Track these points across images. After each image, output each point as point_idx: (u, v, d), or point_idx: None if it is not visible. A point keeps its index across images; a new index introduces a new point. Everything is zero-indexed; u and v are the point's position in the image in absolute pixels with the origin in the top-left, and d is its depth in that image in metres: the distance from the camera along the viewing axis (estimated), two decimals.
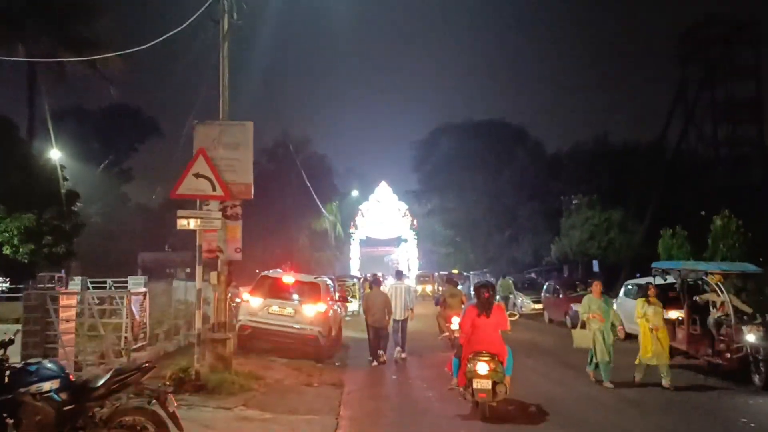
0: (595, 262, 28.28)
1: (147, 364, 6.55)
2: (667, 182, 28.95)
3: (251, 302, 14.21)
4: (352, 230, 63.13)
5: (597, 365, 11.54)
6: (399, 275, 16.25)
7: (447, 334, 15.57)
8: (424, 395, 11.22)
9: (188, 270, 55.44)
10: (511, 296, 28.07)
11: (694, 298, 13.47)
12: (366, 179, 65.13)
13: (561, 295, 23.13)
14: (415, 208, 64.24)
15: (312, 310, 13.97)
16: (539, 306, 25.99)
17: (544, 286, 25.41)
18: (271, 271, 15.81)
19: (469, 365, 8.58)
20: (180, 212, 10.90)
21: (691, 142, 31.03)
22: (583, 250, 28.00)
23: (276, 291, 14.46)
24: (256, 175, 38.20)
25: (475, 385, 8.45)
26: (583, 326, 11.95)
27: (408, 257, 75.03)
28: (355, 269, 60.75)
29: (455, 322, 13.86)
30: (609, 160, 32.72)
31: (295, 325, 13.85)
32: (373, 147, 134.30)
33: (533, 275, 31.89)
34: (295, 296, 14.41)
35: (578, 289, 23.44)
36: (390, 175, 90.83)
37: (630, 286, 18.42)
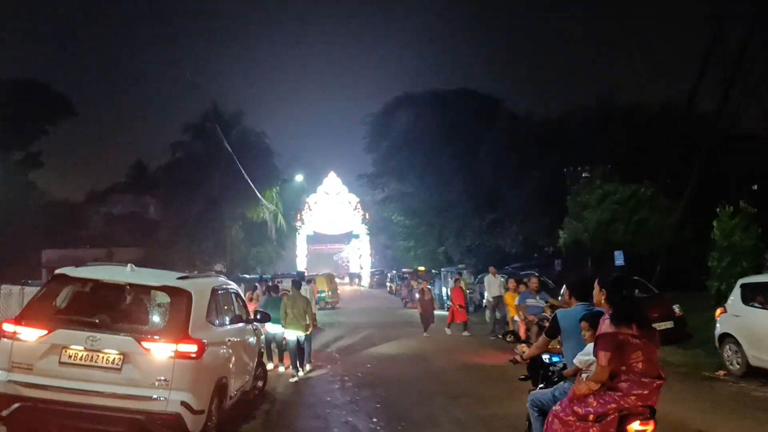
0: (619, 253, 21.01)
1: None
2: (709, 149, 21.85)
3: (22, 338, 6.09)
4: (298, 224, 56.01)
5: None
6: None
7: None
8: None
9: None
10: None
11: None
12: (313, 167, 57.90)
13: None
14: (367, 200, 57.05)
15: (164, 351, 6.08)
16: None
17: (563, 287, 17.83)
18: (85, 266, 7.05)
19: None
20: None
21: (733, 100, 23.84)
22: (604, 236, 20.68)
23: (84, 310, 6.51)
24: (179, 155, 30.34)
25: None
26: None
27: (360, 254, 68.20)
28: (301, 268, 53.90)
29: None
30: (623, 124, 25.61)
31: (126, 391, 5.95)
32: (321, 131, 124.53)
33: (534, 271, 24.32)
34: (128, 323, 6.52)
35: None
36: (340, 162, 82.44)
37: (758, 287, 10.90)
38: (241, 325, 8.54)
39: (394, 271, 49.48)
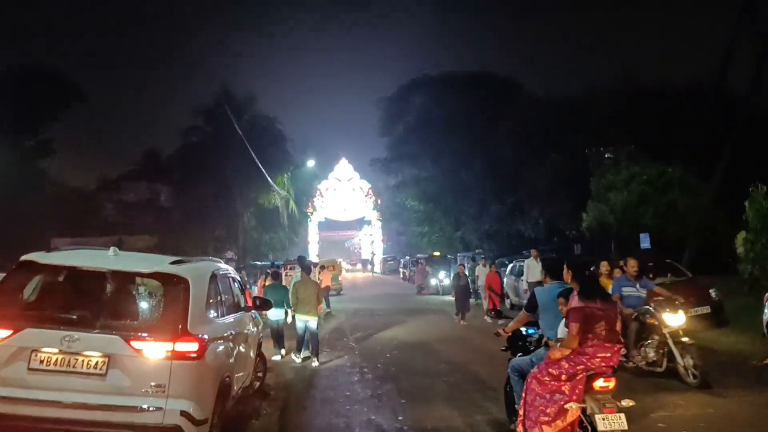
0: (645, 236, 20.06)
1: None
2: (741, 127, 20.77)
3: None
4: (309, 211, 55.51)
5: None
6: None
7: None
8: None
9: None
10: None
11: None
12: (325, 153, 57.23)
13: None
14: (380, 186, 56.40)
15: (159, 352, 5.17)
16: None
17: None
18: (59, 251, 6.20)
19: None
20: None
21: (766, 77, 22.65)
22: (632, 219, 19.74)
23: (59, 304, 5.53)
24: (192, 140, 30.35)
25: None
26: None
27: (372, 241, 67.60)
28: (313, 255, 53.58)
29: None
30: (648, 104, 24.54)
31: (113, 401, 5.03)
32: (333, 117, 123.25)
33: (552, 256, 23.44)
34: (113, 319, 5.45)
35: (650, 275, 15.22)
36: (352, 148, 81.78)
37: None
38: (241, 314, 7.62)
39: (408, 257, 48.79)
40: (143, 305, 5.86)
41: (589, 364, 5.13)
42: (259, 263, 35.53)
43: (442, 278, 31.48)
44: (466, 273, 19.98)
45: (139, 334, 5.23)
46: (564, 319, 5.53)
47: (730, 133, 20.76)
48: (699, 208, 19.45)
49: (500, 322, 7.18)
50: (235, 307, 7.44)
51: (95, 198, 51.35)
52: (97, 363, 5.08)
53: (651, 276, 15.15)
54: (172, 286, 5.53)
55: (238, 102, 42.11)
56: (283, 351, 12.31)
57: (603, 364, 5.15)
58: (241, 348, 7.09)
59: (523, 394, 5.54)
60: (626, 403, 5.11)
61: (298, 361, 11.75)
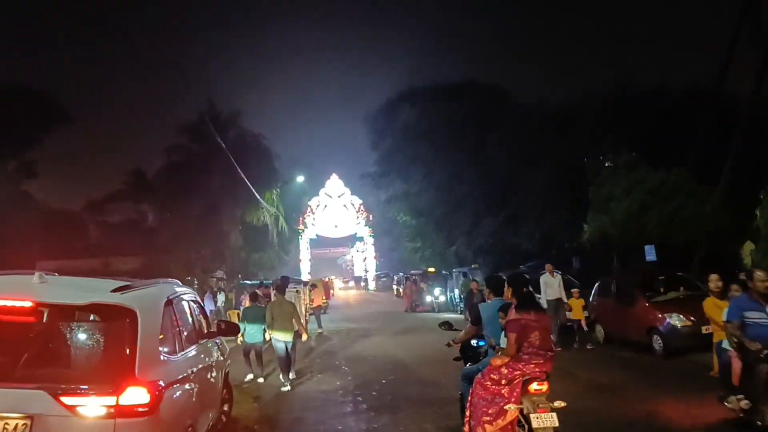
0: (650, 248, 19.14)
1: None
2: (745, 130, 19.99)
3: None
4: (300, 228, 54.49)
5: None
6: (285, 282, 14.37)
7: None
8: None
9: None
10: None
11: None
12: (314, 169, 56.25)
13: (635, 301, 13.85)
14: (371, 201, 55.60)
15: (97, 409, 4.01)
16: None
17: (595, 286, 16.04)
18: None
19: None
20: None
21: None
22: (634, 229, 18.83)
23: None
24: (177, 158, 29.45)
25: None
26: None
27: (365, 257, 66.66)
28: (305, 273, 52.57)
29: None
30: (647, 108, 23.73)
31: None
32: (322, 133, 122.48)
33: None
34: (38, 368, 4.29)
35: (660, 289, 14.35)
36: (342, 164, 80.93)
37: None
38: (205, 342, 6.54)
39: (401, 274, 47.86)
40: (78, 347, 4.58)
41: (525, 369, 5.64)
42: (249, 282, 34.67)
43: (438, 295, 30.65)
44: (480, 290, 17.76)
45: (72, 386, 4.12)
46: (504, 330, 5.96)
47: (733, 137, 20.01)
48: (705, 215, 18.56)
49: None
50: (197, 336, 6.30)
51: (81, 220, 50.27)
52: (16, 426, 3.98)
53: (662, 290, 14.37)
54: (115, 320, 4.41)
55: (223, 118, 41.24)
56: (251, 375, 12.04)
57: (537, 370, 5.66)
58: (206, 385, 6.04)
59: (469, 397, 6.02)
60: (558, 404, 5.58)
61: (288, 387, 11.03)
